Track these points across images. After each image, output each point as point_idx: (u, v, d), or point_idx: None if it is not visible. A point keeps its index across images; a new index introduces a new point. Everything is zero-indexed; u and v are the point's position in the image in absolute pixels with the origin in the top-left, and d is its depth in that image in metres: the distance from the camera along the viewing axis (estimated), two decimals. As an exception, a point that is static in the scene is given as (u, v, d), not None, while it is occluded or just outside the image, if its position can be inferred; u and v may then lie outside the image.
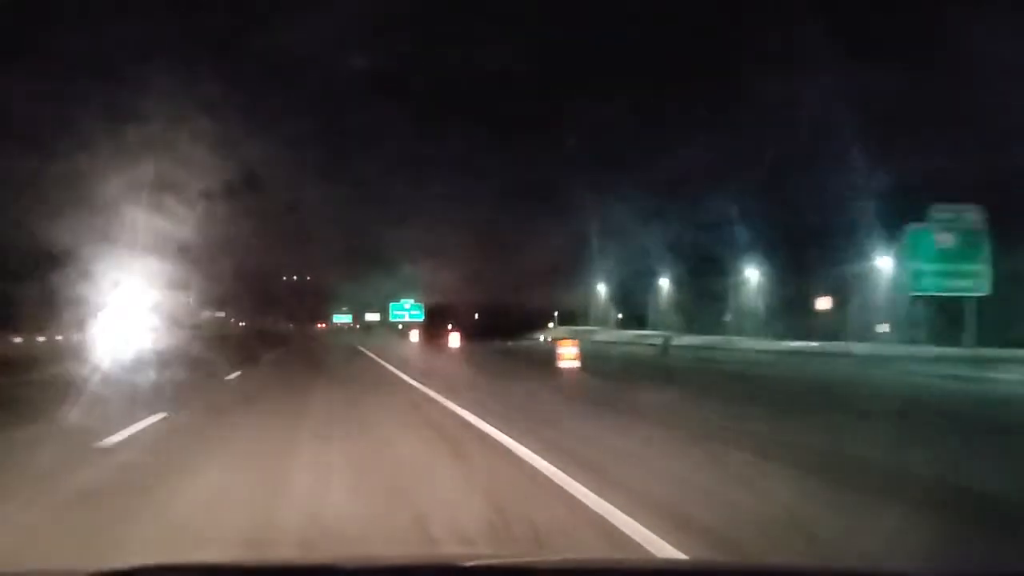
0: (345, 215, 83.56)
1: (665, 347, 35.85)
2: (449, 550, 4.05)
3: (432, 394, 12.21)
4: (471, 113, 66.51)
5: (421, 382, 14.68)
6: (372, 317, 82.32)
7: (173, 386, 14.10)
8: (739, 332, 42.74)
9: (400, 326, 67.64)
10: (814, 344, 35.22)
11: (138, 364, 19.70)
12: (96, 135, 26.54)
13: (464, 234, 65.34)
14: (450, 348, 34.11)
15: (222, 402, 11.53)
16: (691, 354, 34.13)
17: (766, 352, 33.81)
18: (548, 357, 28.61)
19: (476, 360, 24.50)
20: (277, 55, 51.52)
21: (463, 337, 38.52)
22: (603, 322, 57.63)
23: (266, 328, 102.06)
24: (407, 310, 66.71)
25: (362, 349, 32.31)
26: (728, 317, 44.55)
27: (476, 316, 62.26)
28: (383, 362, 21.89)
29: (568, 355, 19.21)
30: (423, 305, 66.64)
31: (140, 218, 29.02)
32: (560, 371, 18.74)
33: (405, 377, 16.12)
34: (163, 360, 23.39)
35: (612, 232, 53.42)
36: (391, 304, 67.96)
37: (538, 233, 62.45)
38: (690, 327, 45.24)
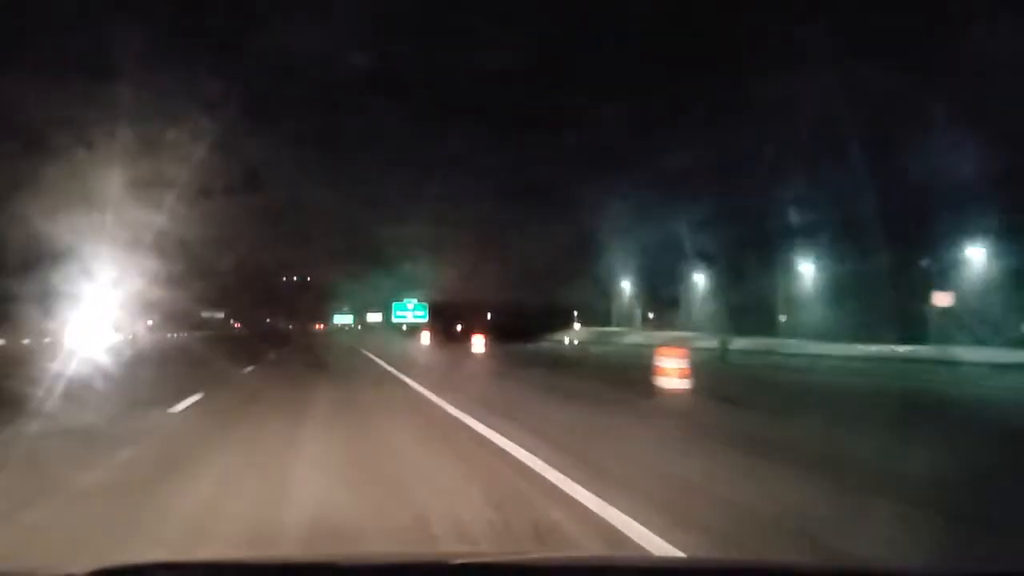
0: (346, 214, 79.98)
1: (723, 351, 29.72)
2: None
3: (551, 478, 6.04)
4: (473, 112, 62.36)
5: (505, 434, 8.52)
6: (374, 317, 77.99)
7: (72, 431, 8.12)
8: (794, 333, 36.64)
9: (404, 327, 62.40)
10: (898, 348, 29.17)
11: (68, 382, 13.69)
12: (94, 134, 25.63)
13: (469, 233, 60.53)
14: (476, 354, 27.89)
15: (115, 483, 5.40)
16: (757, 360, 27.99)
17: (850, 358, 27.77)
18: (616, 366, 22.57)
19: (535, 376, 17.76)
20: (277, 55, 49.20)
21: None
22: (628, 322, 51.51)
23: (264, 329, 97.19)
24: (411, 310, 61.81)
25: (373, 357, 25.74)
26: (783, 317, 38.24)
27: (489, 316, 56.08)
28: (414, 384, 15.57)
29: (674, 370, 13.04)
30: (427, 305, 61.45)
31: (139, 217, 29.36)
32: (671, 395, 12.58)
33: (472, 423, 9.92)
34: (119, 371, 17.34)
35: (635, 227, 47.63)
36: (394, 304, 62.87)
37: (549, 231, 57.74)
38: (734, 328, 39.13)
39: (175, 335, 61.03)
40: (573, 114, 55.46)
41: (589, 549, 4.14)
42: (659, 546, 3.99)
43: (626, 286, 52.19)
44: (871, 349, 29.98)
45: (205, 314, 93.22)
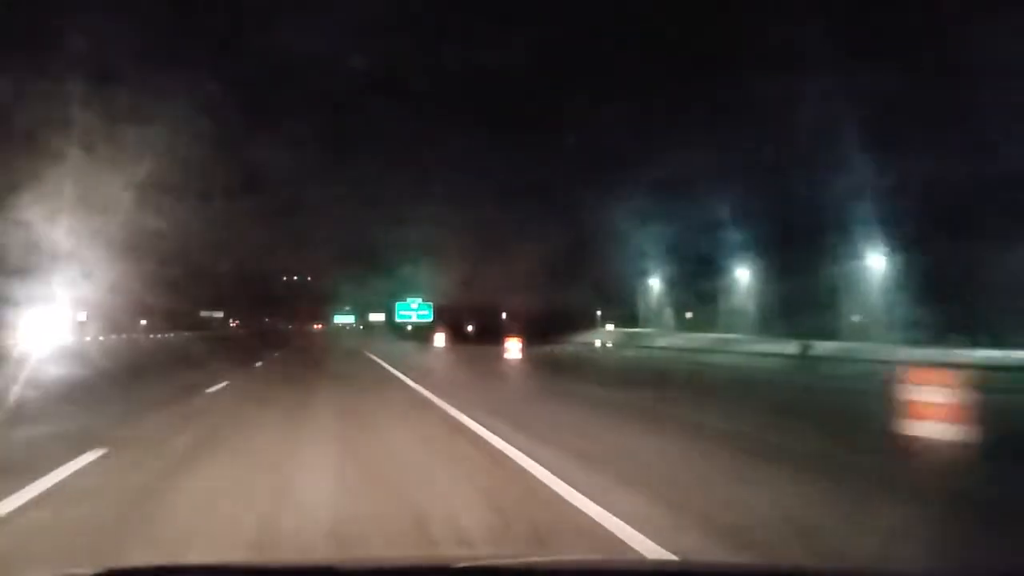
0: (348, 214, 76.58)
1: (804, 359, 24.07)
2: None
3: None
4: (474, 111, 59.24)
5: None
6: (377, 317, 73.21)
7: None
8: (861, 336, 30.89)
9: (409, 327, 57.43)
10: (1019, 354, 23.43)
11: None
12: (93, 136, 24.29)
13: (476, 231, 56.04)
14: (512, 360, 22.08)
15: None
16: (847, 369, 22.08)
17: (964, 366, 21.94)
18: (718, 381, 16.96)
19: (651, 405, 11.55)
20: (277, 55, 46.95)
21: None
22: (657, 323, 45.75)
23: (262, 328, 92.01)
24: (414, 310, 56.63)
25: (398, 374, 19.18)
26: (856, 316, 32.38)
27: (504, 316, 50.30)
28: (487, 431, 9.51)
29: (936, 408, 7.30)
30: (432, 305, 56.44)
31: (137, 219, 28.71)
32: (943, 452, 6.84)
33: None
34: (37, 387, 11.63)
35: (662, 223, 41.94)
36: (397, 304, 57.89)
37: (564, 229, 52.72)
38: (789, 329, 33.42)
39: (163, 335, 55.19)
40: (588, 108, 51.44)
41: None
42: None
43: (654, 284, 46.40)
44: (977, 355, 24.25)
45: (204, 314, 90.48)
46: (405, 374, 16.71)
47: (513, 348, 23.00)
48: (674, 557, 3.54)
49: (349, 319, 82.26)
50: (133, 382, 14.67)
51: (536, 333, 39.31)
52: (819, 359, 23.40)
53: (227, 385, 13.50)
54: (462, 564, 2.08)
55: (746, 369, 22.38)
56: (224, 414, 9.34)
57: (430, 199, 64.59)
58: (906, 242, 30.82)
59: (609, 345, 39.19)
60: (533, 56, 48.63)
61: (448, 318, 52.07)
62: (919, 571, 3.31)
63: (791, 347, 25.79)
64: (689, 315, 41.92)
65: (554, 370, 19.40)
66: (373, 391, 13.11)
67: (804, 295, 34.85)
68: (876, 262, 32.50)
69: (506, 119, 56.06)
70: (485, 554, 3.69)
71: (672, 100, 45.43)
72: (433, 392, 12.04)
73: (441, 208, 60.41)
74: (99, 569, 1.89)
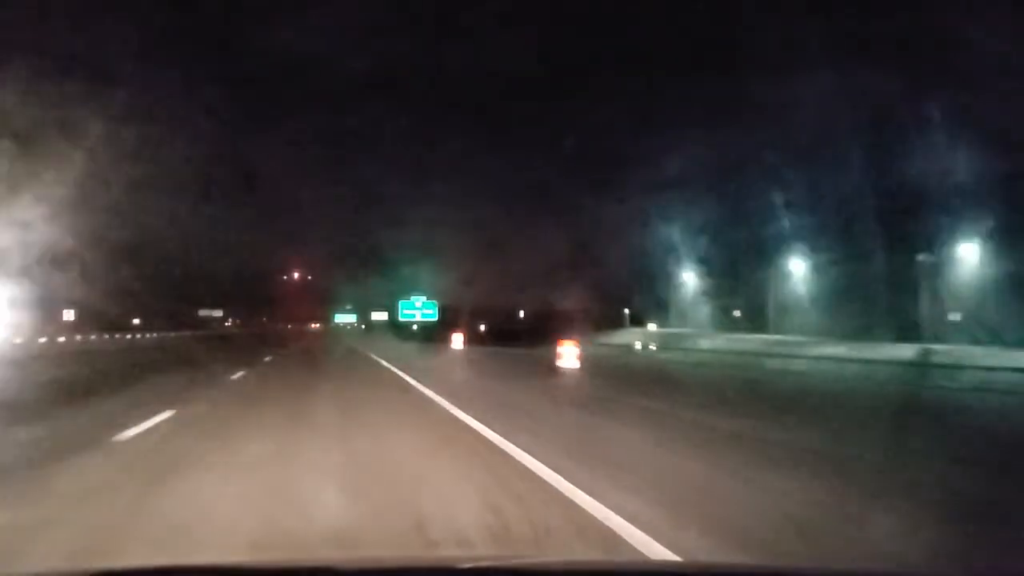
0: (348, 214, 74.29)
1: (925, 367, 18.81)
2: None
3: None
4: (474, 107, 57.95)
5: None
6: (379, 316, 69.43)
7: None
8: (948, 337, 25.59)
9: (414, 326, 53.39)
10: None
11: None
12: (93, 135, 23.12)
13: (483, 229, 52.41)
14: (571, 370, 16.71)
15: None
16: (976, 379, 16.50)
17: None
18: None
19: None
20: (277, 55, 47.30)
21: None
22: (693, 323, 40.48)
23: (260, 327, 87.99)
24: (419, 308, 53.17)
25: (460, 413, 13.02)
26: (955, 315, 27.02)
27: (522, 315, 45.17)
28: None
29: None
30: (436, 303, 53.25)
31: (137, 219, 28.80)
32: None
33: None
34: None
35: (693, 213, 36.93)
36: (401, 302, 54.11)
37: (582, 225, 48.62)
38: (858, 330, 28.17)
39: (152, 335, 49.96)
40: (592, 105, 48.32)
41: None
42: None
43: (689, 280, 41.10)
44: None
45: (203, 313, 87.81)
46: (483, 421, 10.72)
47: (568, 354, 17.56)
48: (677, 558, 3.34)
49: (350, 318, 78.28)
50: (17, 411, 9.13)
51: (556, 333, 34.11)
52: (948, 368, 18.11)
53: (169, 418, 8.10)
54: (465, 565, 2.00)
55: (868, 383, 17.11)
56: (107, 522, 3.94)
57: (430, 198, 63.36)
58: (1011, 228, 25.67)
59: (652, 347, 33.85)
60: (534, 56, 45.84)
61: (452, 317, 47.55)
62: (919, 571, 3.13)
63: (905, 352, 20.58)
64: (737, 313, 36.61)
65: (645, 387, 14.02)
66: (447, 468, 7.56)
67: (877, 291, 29.60)
68: (968, 252, 27.25)
69: (506, 117, 53.78)
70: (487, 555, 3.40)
71: (701, 84, 40.97)
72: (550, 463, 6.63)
73: (442, 207, 57.60)
74: (97, 569, 1.82)
